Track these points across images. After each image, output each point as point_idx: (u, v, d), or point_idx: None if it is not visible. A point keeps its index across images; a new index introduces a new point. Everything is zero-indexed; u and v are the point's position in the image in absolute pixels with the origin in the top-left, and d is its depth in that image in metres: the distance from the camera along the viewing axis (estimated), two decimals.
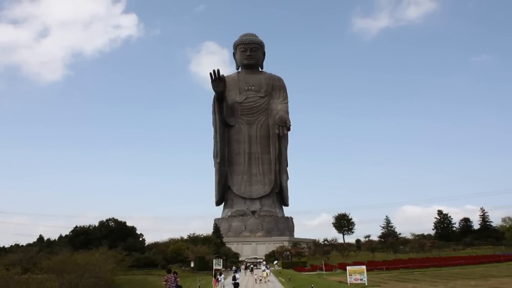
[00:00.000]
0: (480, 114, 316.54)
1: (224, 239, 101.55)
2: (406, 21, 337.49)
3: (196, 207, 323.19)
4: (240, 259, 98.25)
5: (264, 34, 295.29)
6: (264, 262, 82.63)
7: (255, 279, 48.39)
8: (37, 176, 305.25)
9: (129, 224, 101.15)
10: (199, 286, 41.50)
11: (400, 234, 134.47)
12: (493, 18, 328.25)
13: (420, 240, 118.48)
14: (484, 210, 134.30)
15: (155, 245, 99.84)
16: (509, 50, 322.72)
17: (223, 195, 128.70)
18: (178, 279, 23.41)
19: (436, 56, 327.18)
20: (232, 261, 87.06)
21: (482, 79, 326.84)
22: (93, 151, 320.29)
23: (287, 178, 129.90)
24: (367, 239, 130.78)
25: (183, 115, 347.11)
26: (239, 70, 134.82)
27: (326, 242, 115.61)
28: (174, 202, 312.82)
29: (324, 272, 59.60)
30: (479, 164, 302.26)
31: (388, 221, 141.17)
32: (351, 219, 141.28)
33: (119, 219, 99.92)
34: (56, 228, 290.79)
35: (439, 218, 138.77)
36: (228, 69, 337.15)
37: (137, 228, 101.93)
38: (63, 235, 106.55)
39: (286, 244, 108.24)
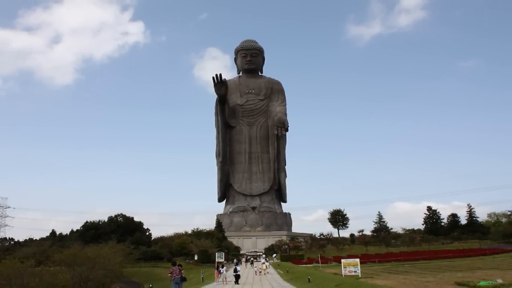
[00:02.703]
0: (467, 116, 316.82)
1: (226, 234, 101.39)
2: (397, 28, 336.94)
3: (200, 204, 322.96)
4: (241, 252, 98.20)
5: (263, 40, 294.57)
6: (264, 255, 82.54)
7: (255, 271, 48.32)
8: (50, 174, 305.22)
9: (136, 219, 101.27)
10: (202, 277, 41.51)
11: (391, 229, 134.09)
12: (479, 26, 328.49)
13: (411, 234, 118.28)
14: (470, 206, 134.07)
15: (161, 239, 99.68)
16: (494, 56, 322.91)
17: (225, 192, 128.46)
18: (182, 271, 23.40)
19: (426, 61, 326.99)
20: (234, 254, 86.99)
21: (469, 83, 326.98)
22: (102, 150, 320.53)
23: (285, 176, 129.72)
24: (360, 233, 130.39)
25: (187, 117, 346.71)
26: (240, 74, 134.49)
27: (322, 236, 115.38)
28: (179, 199, 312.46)
29: (320, 264, 59.64)
30: (466, 162, 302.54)
31: (380, 217, 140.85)
32: (345, 214, 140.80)
33: (127, 215, 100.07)
34: (67, 223, 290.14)
35: (428, 213, 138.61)
36: (229, 73, 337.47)
37: (144, 223, 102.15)
38: (74, 229, 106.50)
39: (284, 238, 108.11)
